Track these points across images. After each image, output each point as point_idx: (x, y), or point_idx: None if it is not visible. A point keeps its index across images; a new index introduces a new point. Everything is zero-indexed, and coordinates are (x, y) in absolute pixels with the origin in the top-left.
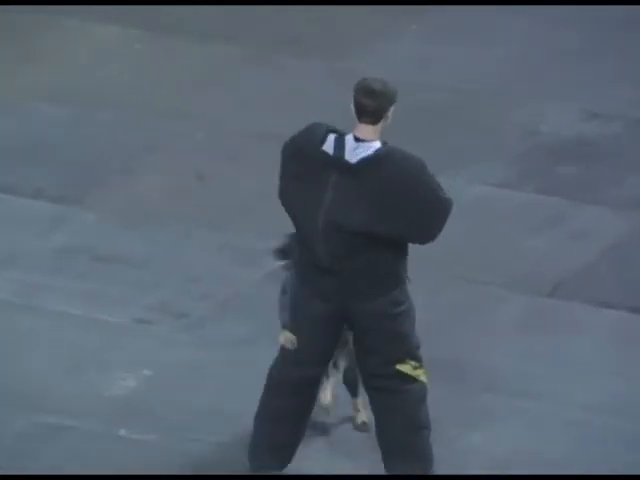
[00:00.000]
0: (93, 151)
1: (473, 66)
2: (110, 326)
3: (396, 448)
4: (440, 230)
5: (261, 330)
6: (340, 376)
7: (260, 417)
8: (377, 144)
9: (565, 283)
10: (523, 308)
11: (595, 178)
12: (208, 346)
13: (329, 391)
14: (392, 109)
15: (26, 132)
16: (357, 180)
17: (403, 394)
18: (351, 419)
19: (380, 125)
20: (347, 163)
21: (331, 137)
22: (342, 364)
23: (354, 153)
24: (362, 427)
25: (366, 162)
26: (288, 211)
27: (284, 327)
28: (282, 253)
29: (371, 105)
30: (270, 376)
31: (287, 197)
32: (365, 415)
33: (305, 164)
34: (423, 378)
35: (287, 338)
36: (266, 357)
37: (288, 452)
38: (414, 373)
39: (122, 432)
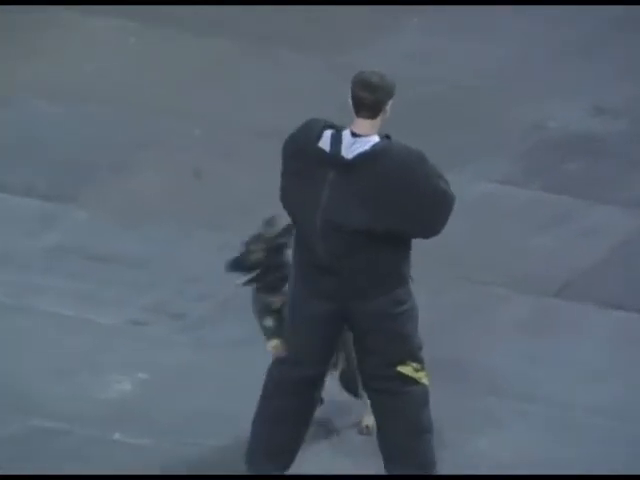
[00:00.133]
0: (86, 148)
1: (474, 62)
2: (104, 328)
3: (397, 453)
4: (444, 224)
5: (260, 331)
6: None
7: (258, 419)
8: (375, 139)
9: (572, 283)
10: (529, 308)
11: (602, 175)
12: (206, 347)
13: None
14: (390, 103)
15: (18, 128)
16: (354, 177)
17: (404, 396)
18: (354, 422)
19: (378, 119)
20: (343, 159)
21: (327, 133)
22: (340, 365)
23: (351, 149)
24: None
25: (363, 157)
26: (288, 211)
27: (268, 336)
28: (235, 264)
29: (369, 98)
30: (269, 376)
31: (287, 197)
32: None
33: (303, 162)
34: (425, 381)
35: (275, 347)
36: (265, 358)
37: (286, 457)
38: (416, 375)
39: (117, 436)
